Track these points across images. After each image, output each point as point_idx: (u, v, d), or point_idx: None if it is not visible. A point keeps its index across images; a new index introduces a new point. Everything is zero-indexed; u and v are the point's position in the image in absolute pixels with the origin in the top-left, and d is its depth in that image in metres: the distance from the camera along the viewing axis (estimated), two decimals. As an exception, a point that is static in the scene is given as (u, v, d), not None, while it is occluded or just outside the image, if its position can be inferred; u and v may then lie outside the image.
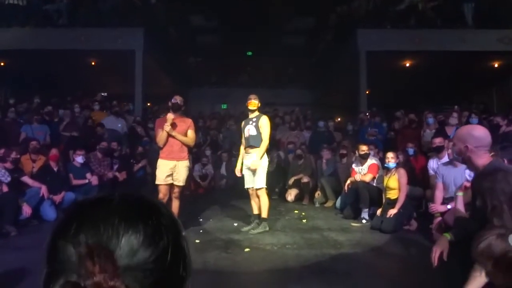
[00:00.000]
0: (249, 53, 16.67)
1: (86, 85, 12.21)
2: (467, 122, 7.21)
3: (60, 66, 11.09)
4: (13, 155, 5.71)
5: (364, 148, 6.22)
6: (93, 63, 11.47)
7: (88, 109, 9.72)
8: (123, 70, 10.68)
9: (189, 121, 5.25)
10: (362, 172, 6.12)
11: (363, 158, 6.18)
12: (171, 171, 4.98)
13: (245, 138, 5.29)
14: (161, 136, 5.00)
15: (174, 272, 0.55)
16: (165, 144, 5.02)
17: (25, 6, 10.58)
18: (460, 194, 3.93)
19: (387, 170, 5.63)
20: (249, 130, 5.21)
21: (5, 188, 5.25)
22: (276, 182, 7.85)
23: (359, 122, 9.66)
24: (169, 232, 0.56)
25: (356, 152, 6.45)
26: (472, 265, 1.93)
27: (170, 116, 4.97)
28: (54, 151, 6.51)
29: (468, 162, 2.39)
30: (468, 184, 3.89)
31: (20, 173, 5.84)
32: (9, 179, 5.40)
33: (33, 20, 10.61)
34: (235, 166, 5.55)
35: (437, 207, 4.79)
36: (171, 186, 5.01)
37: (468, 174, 4.89)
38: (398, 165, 5.60)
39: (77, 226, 0.52)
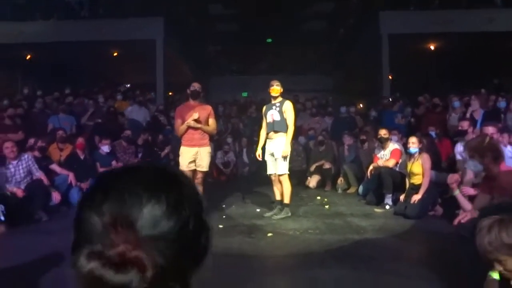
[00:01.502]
0: (269, 40, 16.56)
1: (109, 76, 12.43)
2: (494, 106, 7.00)
3: (83, 58, 11.32)
4: (39, 143, 5.90)
5: (382, 132, 6.12)
6: (115, 54, 11.65)
7: (112, 99, 9.90)
8: (144, 59, 10.81)
9: (209, 108, 5.27)
10: (385, 157, 6.04)
11: (382, 142, 6.09)
12: (193, 157, 5.03)
13: (267, 123, 5.27)
14: (181, 128, 5.06)
15: (196, 243, 0.56)
16: (186, 132, 5.07)
17: (48, 0, 10.79)
18: (456, 193, 3.83)
19: (410, 155, 5.54)
20: (272, 115, 5.18)
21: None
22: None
23: (381, 108, 9.50)
24: (191, 203, 0.56)
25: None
26: None
27: (195, 115, 4.97)
28: (80, 140, 6.69)
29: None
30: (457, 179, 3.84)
31: (48, 161, 6.04)
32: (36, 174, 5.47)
33: (57, 13, 10.82)
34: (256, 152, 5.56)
35: (468, 190, 4.65)
36: (194, 172, 5.07)
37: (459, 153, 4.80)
38: (421, 150, 5.49)
39: (102, 196, 0.53)
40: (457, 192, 3.84)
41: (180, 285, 0.53)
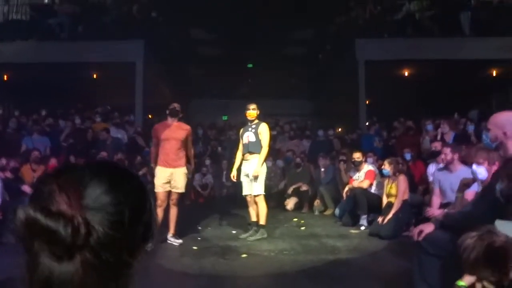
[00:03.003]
0: (250, 65, 16.82)
1: (88, 97, 12.32)
2: (464, 130, 7.25)
3: (62, 79, 11.21)
4: (12, 164, 5.77)
5: (356, 156, 6.25)
6: (94, 76, 11.60)
7: (90, 120, 9.81)
8: (124, 82, 10.79)
9: (187, 128, 5.25)
10: (359, 179, 6.13)
11: (355, 165, 6.21)
12: (168, 178, 4.97)
13: (243, 144, 5.31)
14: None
15: (133, 225, 0.61)
16: (161, 152, 5.04)
17: (28, 21, 10.76)
18: (459, 195, 3.95)
19: (387, 177, 5.65)
20: (248, 136, 5.24)
21: None
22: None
23: (360, 131, 9.70)
24: (133, 190, 0.63)
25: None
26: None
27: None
28: (53, 161, 6.58)
29: (503, 148, 2.42)
30: (467, 182, 3.93)
31: (20, 183, 5.89)
32: None
33: (36, 34, 10.78)
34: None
35: (434, 211, 4.78)
36: (169, 193, 5.02)
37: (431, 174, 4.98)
38: (397, 172, 5.60)
39: (56, 173, 0.61)
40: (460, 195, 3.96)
41: (115, 257, 0.58)
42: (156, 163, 5.07)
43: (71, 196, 0.56)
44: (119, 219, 0.58)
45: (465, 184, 3.81)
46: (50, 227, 0.53)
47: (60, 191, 0.56)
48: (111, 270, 0.58)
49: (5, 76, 11.36)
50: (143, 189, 0.66)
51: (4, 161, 6.06)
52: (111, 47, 10.23)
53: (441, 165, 5.55)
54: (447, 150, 4.84)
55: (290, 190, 7.67)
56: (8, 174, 5.77)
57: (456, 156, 4.75)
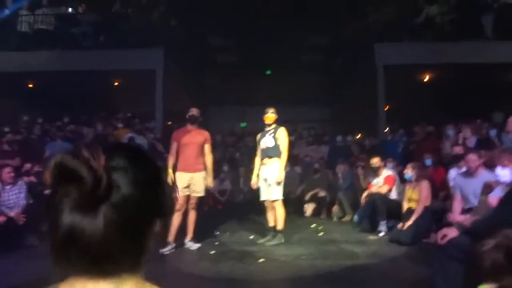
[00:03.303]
0: (268, 72, 16.88)
1: (110, 105, 12.59)
2: (486, 134, 7.07)
3: (85, 87, 11.50)
4: (36, 168, 5.94)
5: (374, 161, 6.17)
6: (116, 83, 11.86)
7: (111, 126, 10.02)
8: (144, 89, 10.99)
9: (206, 134, 5.30)
10: (378, 184, 6.05)
11: (374, 170, 6.13)
12: (188, 182, 5.03)
13: (261, 149, 5.31)
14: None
15: (151, 197, 0.65)
16: (180, 157, 5.10)
17: (52, 30, 11.12)
18: (483, 198, 3.86)
19: (408, 182, 5.57)
20: (266, 141, 5.24)
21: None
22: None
23: (383, 136, 9.58)
24: (152, 169, 0.68)
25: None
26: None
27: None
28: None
29: None
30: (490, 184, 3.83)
31: (44, 186, 6.05)
32: (23, 202, 5.44)
33: (61, 43, 11.12)
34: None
35: (456, 216, 4.67)
36: (188, 197, 5.06)
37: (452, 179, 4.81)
38: (419, 177, 5.50)
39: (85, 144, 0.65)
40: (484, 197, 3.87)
41: (134, 222, 0.61)
42: (173, 170, 5.11)
43: (95, 156, 0.60)
44: (140, 180, 0.63)
45: (488, 187, 3.71)
46: (75, 168, 0.58)
47: (87, 151, 0.60)
48: (132, 228, 0.61)
49: (31, 84, 11.74)
50: (161, 173, 0.71)
51: (28, 165, 6.25)
52: (132, 55, 10.45)
53: (462, 170, 5.43)
54: (473, 157, 4.68)
55: (308, 196, 7.61)
56: (32, 178, 5.94)
57: (481, 162, 4.62)
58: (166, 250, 4.67)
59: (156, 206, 0.67)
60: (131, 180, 0.62)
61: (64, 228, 0.58)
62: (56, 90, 11.29)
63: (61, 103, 11.50)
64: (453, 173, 5.77)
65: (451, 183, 5.72)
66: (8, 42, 11.07)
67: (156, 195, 0.66)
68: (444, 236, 2.52)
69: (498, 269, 1.64)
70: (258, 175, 5.38)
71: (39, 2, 11.05)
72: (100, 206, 0.58)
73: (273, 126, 5.31)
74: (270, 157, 5.18)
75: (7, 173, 5.24)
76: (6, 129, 8.48)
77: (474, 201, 4.51)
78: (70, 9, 12.26)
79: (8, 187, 5.27)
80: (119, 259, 0.61)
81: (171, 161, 5.19)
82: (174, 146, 5.20)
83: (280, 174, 5.05)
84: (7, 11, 10.93)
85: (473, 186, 4.71)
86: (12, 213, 5.06)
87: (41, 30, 10.95)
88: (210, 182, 5.23)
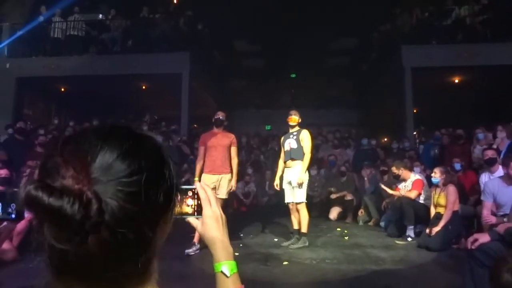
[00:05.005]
0: (293, 75, 16.86)
1: (138, 108, 12.88)
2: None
3: (114, 90, 11.83)
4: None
5: (393, 169, 6.06)
6: (143, 87, 12.13)
7: (137, 129, 10.21)
8: (171, 92, 11.19)
9: (231, 136, 5.33)
10: (407, 188, 5.92)
11: (396, 178, 6.02)
12: (214, 184, 5.07)
13: (285, 152, 5.32)
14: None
15: (151, 195, 0.54)
16: (207, 159, 5.15)
17: (84, 37, 11.50)
18: None
19: (435, 186, 5.43)
20: (290, 143, 5.24)
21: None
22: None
23: (418, 141, 9.36)
24: (148, 155, 0.56)
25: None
26: None
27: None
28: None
29: None
30: None
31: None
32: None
33: (91, 49, 11.50)
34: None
35: (492, 218, 4.44)
36: (213, 199, 5.08)
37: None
38: (446, 182, 5.36)
39: (64, 142, 0.54)
40: None
41: (134, 234, 0.52)
42: (199, 176, 5.16)
43: (78, 169, 0.50)
44: (135, 189, 0.52)
45: None
46: (53, 206, 0.47)
47: (65, 164, 0.50)
48: (131, 248, 0.52)
49: (63, 89, 12.16)
50: (160, 153, 0.59)
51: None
52: (159, 59, 10.68)
53: (496, 175, 5.24)
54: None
55: (334, 197, 7.51)
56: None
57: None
58: (191, 251, 4.72)
59: (162, 208, 0.56)
60: (127, 191, 0.51)
61: (56, 259, 0.51)
62: (86, 93, 11.66)
63: (91, 106, 11.85)
64: (484, 177, 5.58)
65: (482, 187, 5.52)
66: (42, 48, 11.54)
67: (160, 197, 0.55)
68: (475, 240, 2.44)
69: None
70: (281, 177, 5.37)
71: (71, 9, 11.45)
72: (90, 233, 0.49)
73: (296, 128, 5.31)
74: (293, 159, 5.17)
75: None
76: (41, 131, 8.80)
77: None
78: (100, 16, 12.67)
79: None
80: (122, 273, 0.53)
81: (199, 166, 5.23)
82: (201, 150, 5.24)
83: (302, 175, 5.02)
84: (41, 18, 11.37)
85: (510, 194, 4.50)
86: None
87: (72, 36, 11.33)
88: (234, 184, 5.27)
